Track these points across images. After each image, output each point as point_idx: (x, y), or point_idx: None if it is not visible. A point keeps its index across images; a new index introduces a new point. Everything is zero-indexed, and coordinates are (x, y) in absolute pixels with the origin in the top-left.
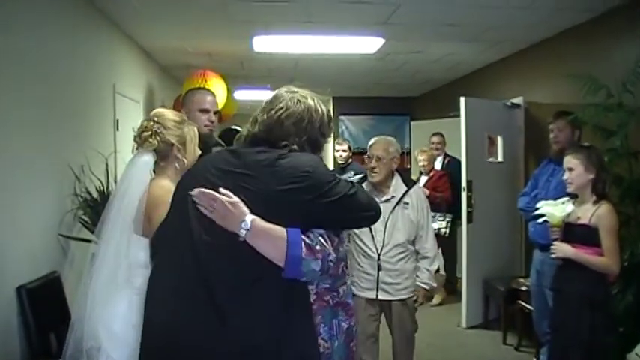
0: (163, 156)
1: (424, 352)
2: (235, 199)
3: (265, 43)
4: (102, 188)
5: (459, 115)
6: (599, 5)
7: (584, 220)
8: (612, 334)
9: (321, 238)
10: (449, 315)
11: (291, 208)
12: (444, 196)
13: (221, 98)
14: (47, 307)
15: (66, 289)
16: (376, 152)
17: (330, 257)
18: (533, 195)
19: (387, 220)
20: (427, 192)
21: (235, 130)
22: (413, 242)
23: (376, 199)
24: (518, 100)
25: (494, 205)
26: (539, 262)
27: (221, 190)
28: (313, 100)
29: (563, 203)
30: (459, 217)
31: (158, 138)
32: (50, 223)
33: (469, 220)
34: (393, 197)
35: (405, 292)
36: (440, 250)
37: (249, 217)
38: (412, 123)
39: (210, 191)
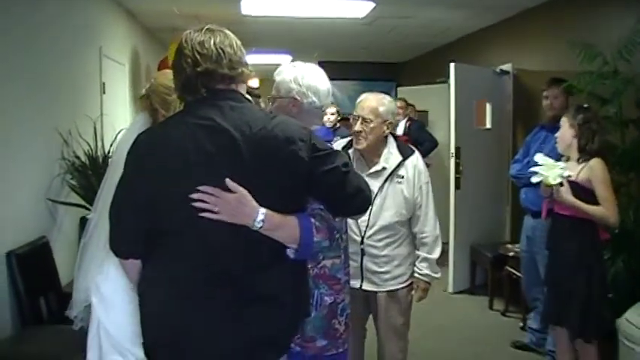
0: (154, 120)
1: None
2: (242, 192)
3: (254, 6)
4: (90, 152)
5: (445, 82)
6: None
7: (572, 178)
8: (607, 291)
9: (322, 213)
10: (435, 280)
11: (286, 173)
12: None
13: None
14: (36, 273)
15: (55, 254)
16: (362, 112)
17: (336, 231)
18: (525, 162)
19: (375, 196)
20: None
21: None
22: (407, 223)
23: (362, 171)
24: (507, 67)
25: (482, 171)
26: (531, 228)
27: (227, 181)
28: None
29: (561, 168)
30: None
31: (149, 101)
32: (38, 188)
33: (457, 187)
34: (384, 168)
35: (394, 283)
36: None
37: (262, 213)
38: (399, 89)
39: (213, 190)
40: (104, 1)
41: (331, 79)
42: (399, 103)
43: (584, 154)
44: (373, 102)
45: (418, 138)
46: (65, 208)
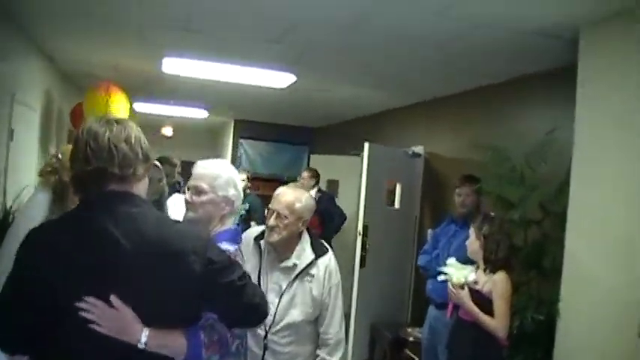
0: (60, 195)
1: None
2: (125, 311)
3: (175, 66)
4: None
5: (358, 155)
6: (509, 71)
7: (478, 287)
8: None
9: (215, 325)
10: None
11: (179, 286)
12: (317, 232)
13: (123, 115)
14: None
15: None
16: (278, 207)
17: (229, 343)
18: (435, 255)
19: (283, 292)
20: None
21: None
22: (313, 322)
23: (273, 265)
24: (419, 149)
25: (387, 251)
26: (434, 318)
27: (112, 299)
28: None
29: (469, 271)
30: None
31: (56, 176)
32: None
33: (362, 265)
34: (295, 265)
35: None
36: None
37: (145, 335)
38: (312, 156)
39: (98, 303)
40: (19, 43)
41: (245, 137)
42: (306, 174)
43: (490, 264)
44: (290, 197)
45: (328, 211)
46: None
